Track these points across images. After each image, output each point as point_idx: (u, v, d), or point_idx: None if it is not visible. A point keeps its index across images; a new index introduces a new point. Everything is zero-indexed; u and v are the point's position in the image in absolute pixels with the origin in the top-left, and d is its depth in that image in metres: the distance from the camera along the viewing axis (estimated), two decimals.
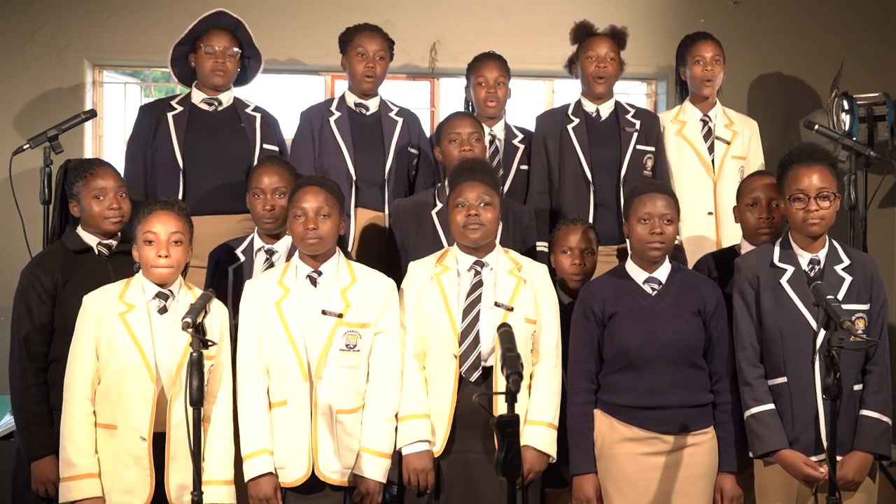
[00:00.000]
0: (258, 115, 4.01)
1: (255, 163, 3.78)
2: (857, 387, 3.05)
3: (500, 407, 2.95)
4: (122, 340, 2.94)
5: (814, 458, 2.99)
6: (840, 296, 2.99)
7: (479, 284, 3.16)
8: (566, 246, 3.54)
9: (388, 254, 3.73)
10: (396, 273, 3.31)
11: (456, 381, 3.09)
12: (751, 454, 3.09)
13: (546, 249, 3.74)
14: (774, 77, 5.14)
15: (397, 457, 3.12)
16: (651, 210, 3.13)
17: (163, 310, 3.01)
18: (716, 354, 3.15)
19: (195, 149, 3.87)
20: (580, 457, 3.12)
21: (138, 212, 3.06)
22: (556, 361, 3.18)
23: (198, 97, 3.96)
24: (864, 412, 3.02)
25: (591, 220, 3.83)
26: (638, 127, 4.03)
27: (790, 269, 3.09)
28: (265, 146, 3.94)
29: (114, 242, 3.30)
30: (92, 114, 4.07)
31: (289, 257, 3.32)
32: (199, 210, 3.57)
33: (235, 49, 3.94)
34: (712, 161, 4.09)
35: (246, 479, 3.01)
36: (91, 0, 4.75)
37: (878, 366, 3.05)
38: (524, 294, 3.16)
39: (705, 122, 4.14)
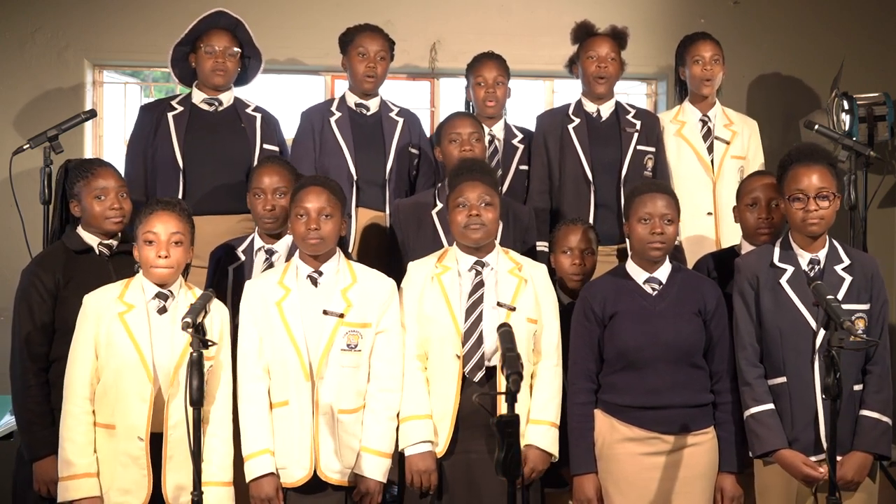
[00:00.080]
0: (258, 116, 4.01)
1: (256, 163, 3.79)
2: (858, 387, 3.05)
3: (502, 407, 2.95)
4: (120, 340, 2.95)
5: (813, 458, 2.99)
6: (840, 296, 2.99)
7: (480, 284, 3.16)
8: (566, 246, 3.54)
9: (388, 253, 3.73)
10: (397, 273, 3.30)
11: (459, 382, 3.09)
12: (750, 454, 3.09)
13: (546, 249, 3.74)
14: (774, 77, 5.14)
15: (397, 457, 3.12)
16: (652, 210, 3.13)
17: (162, 310, 3.01)
18: (716, 354, 3.15)
19: (195, 149, 3.87)
20: (581, 457, 3.12)
21: (139, 212, 3.06)
22: (556, 361, 3.18)
23: (198, 97, 3.96)
24: (864, 412, 3.03)
25: (591, 220, 3.83)
26: (638, 127, 4.03)
27: (790, 269, 3.09)
28: (265, 146, 3.95)
29: (115, 242, 3.30)
30: (92, 114, 4.08)
31: (289, 257, 3.32)
32: (199, 210, 3.57)
33: (235, 49, 3.94)
34: (711, 161, 4.09)
35: (247, 480, 3.01)
36: (91, 0, 4.74)
37: (879, 366, 3.05)
38: (525, 294, 3.16)
39: (704, 122, 4.14)
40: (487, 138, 3.95)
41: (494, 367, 3.08)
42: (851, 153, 4.00)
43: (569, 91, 4.98)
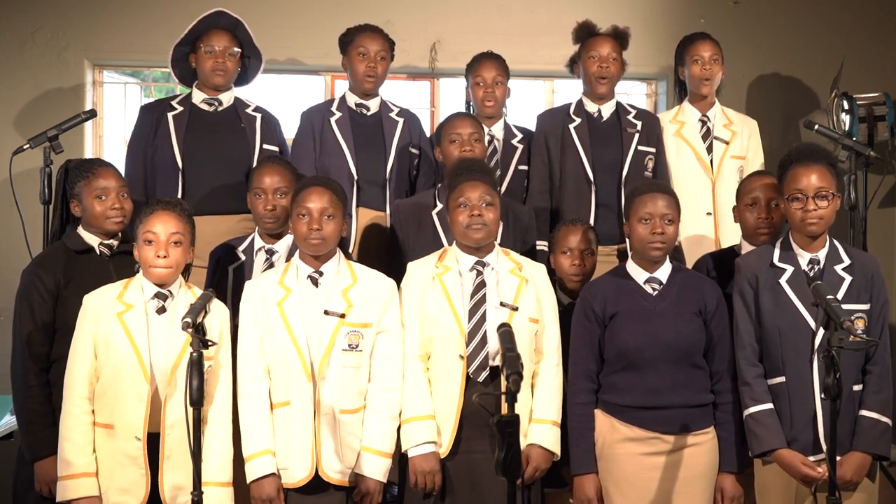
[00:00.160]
0: (258, 116, 4.01)
1: (255, 163, 3.79)
2: (857, 387, 3.05)
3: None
4: (118, 340, 2.95)
5: (811, 458, 2.99)
6: (839, 296, 2.98)
7: (482, 285, 3.16)
8: (566, 247, 3.54)
9: (388, 253, 3.73)
10: (397, 273, 3.30)
11: (463, 382, 3.08)
12: (749, 453, 3.09)
13: (546, 248, 3.74)
14: (774, 77, 5.14)
15: (398, 457, 3.12)
16: (652, 210, 3.13)
17: (161, 310, 3.01)
18: (717, 354, 3.15)
19: (195, 149, 3.87)
20: (581, 457, 3.12)
21: (140, 212, 3.07)
22: (557, 360, 3.19)
23: (198, 97, 3.97)
24: (863, 412, 3.02)
25: (592, 220, 3.84)
26: (639, 128, 4.03)
27: (789, 269, 3.09)
28: (265, 146, 3.95)
29: (115, 242, 3.30)
30: (92, 114, 4.07)
31: (289, 257, 3.32)
32: (198, 210, 3.56)
33: (235, 48, 3.94)
34: (710, 161, 4.09)
35: (248, 481, 3.01)
36: (91, 0, 4.74)
37: (878, 366, 3.05)
38: (527, 294, 3.16)
39: (704, 123, 4.14)
40: (487, 138, 3.95)
41: (498, 367, 3.08)
42: (851, 153, 4.01)
43: (569, 91, 4.98)
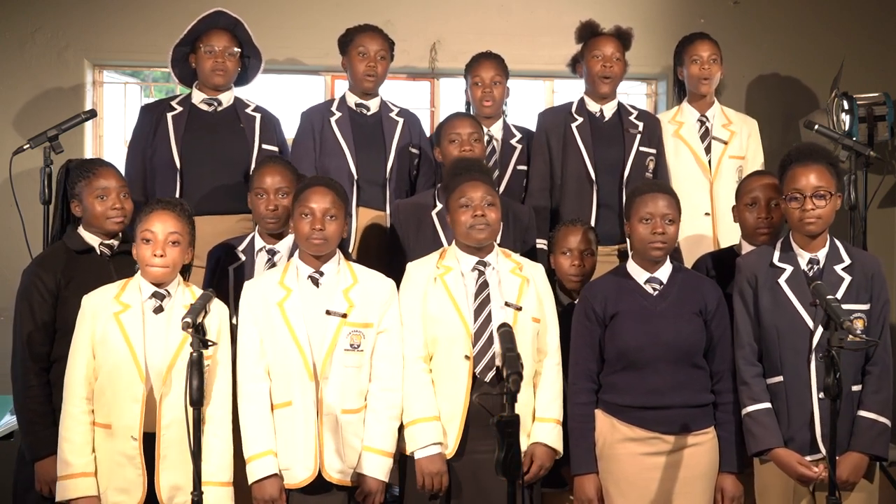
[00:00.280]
0: (258, 116, 4.01)
1: (255, 163, 3.79)
2: (856, 387, 3.04)
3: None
4: (114, 339, 2.95)
5: (808, 458, 2.99)
6: (838, 295, 2.98)
7: (485, 285, 3.16)
8: (566, 247, 3.54)
9: (388, 253, 3.73)
10: (397, 273, 3.30)
11: (469, 382, 3.08)
12: (747, 452, 3.09)
13: (545, 247, 3.74)
14: (774, 77, 5.14)
15: (398, 458, 3.12)
16: (653, 210, 3.13)
17: (158, 309, 3.01)
18: (717, 354, 3.15)
19: (194, 149, 3.87)
20: (581, 457, 3.12)
21: (140, 212, 3.07)
22: (558, 359, 3.19)
23: (198, 97, 3.97)
24: (862, 413, 3.02)
25: (593, 220, 3.84)
26: (641, 129, 4.03)
27: (789, 269, 3.09)
28: (264, 146, 3.95)
29: (116, 243, 3.30)
30: (92, 114, 4.07)
31: (289, 257, 3.31)
32: (198, 210, 3.55)
33: (235, 48, 3.94)
34: (709, 161, 4.09)
35: (250, 482, 3.00)
36: (91, 0, 4.74)
37: (878, 366, 3.04)
38: (529, 293, 3.16)
39: (702, 123, 4.14)
40: (486, 138, 3.95)
41: None
42: (851, 153, 4.00)
43: (569, 91, 4.99)
